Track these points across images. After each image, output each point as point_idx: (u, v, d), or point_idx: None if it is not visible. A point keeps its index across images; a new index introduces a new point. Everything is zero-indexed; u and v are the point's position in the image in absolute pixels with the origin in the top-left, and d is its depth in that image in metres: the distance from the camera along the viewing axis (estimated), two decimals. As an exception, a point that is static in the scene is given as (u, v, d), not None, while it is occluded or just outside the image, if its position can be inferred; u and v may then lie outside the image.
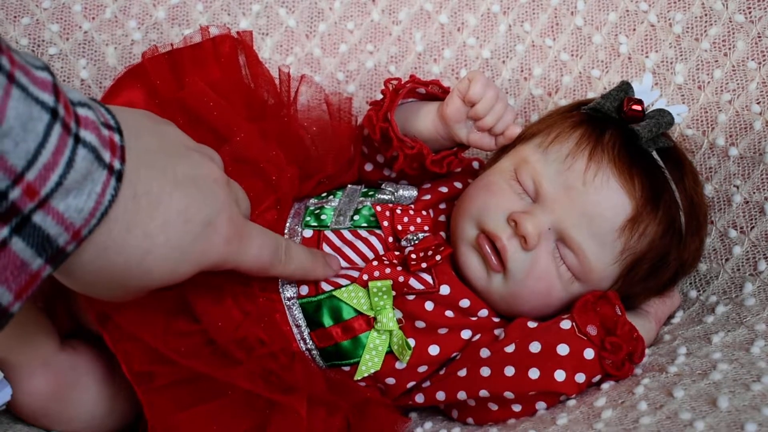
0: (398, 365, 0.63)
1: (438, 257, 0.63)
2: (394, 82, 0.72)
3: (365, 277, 0.62)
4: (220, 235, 0.48)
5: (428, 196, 0.71)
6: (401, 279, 0.63)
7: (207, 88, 0.66)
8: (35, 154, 0.35)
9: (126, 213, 0.42)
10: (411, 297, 0.63)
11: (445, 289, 0.64)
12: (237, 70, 0.70)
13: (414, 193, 0.70)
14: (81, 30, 0.86)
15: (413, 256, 0.63)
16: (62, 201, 0.37)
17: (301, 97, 0.72)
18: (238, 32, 0.72)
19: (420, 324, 0.63)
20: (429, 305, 0.63)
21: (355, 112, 0.76)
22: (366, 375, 0.62)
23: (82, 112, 0.39)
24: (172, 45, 0.69)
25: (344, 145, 0.71)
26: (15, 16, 0.85)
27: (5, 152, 0.34)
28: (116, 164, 0.41)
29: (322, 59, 0.89)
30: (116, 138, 0.41)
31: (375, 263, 0.63)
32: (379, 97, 0.73)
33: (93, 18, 0.87)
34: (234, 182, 0.54)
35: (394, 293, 0.62)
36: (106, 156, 0.40)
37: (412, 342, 0.63)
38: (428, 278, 0.64)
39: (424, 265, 0.63)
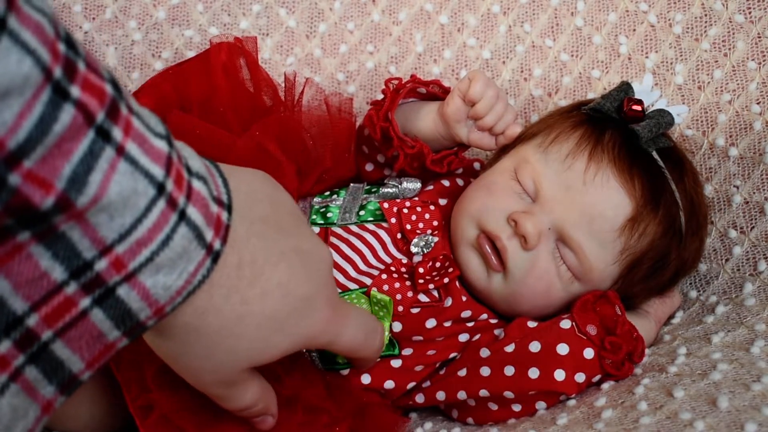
0: (394, 363, 0.63)
1: (446, 279, 0.63)
2: (395, 81, 0.72)
3: (374, 289, 0.63)
4: (317, 314, 0.46)
5: (431, 187, 0.71)
6: (410, 294, 0.63)
7: (188, 118, 0.66)
8: (130, 228, 0.34)
9: (229, 279, 0.41)
10: (416, 310, 0.63)
11: (448, 302, 0.64)
12: (238, 77, 0.71)
13: (418, 185, 0.70)
14: (81, 30, 0.86)
15: (421, 270, 0.63)
16: (151, 277, 0.36)
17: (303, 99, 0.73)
18: (239, 38, 0.72)
19: (417, 338, 0.64)
20: (431, 322, 0.63)
21: (356, 113, 0.76)
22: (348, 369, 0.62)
23: (196, 185, 0.38)
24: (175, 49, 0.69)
25: (342, 140, 0.71)
26: (15, 17, 0.85)
27: (97, 225, 0.33)
28: (216, 245, 0.39)
29: (323, 60, 0.89)
30: (224, 216, 0.40)
31: (384, 276, 0.63)
32: (380, 97, 0.73)
33: (93, 18, 0.87)
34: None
35: (401, 308, 0.62)
36: (209, 235, 0.38)
37: (408, 351, 0.63)
38: (434, 292, 0.64)
39: (431, 286, 0.63)
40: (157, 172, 0.35)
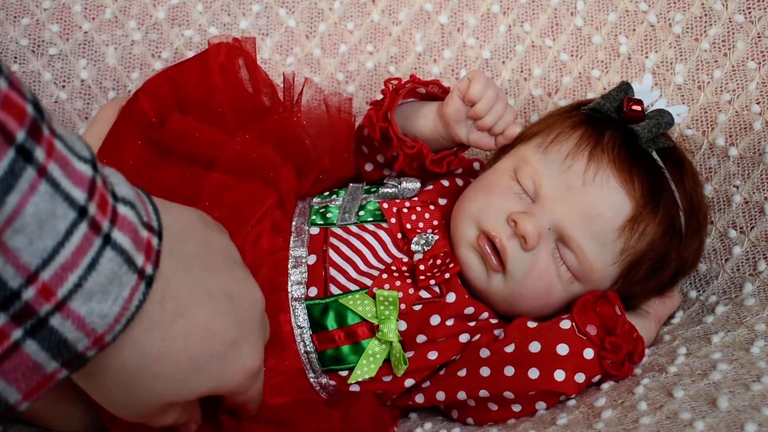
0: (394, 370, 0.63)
1: (447, 275, 0.63)
2: (394, 81, 0.72)
3: (375, 289, 0.63)
4: (242, 362, 0.45)
5: (430, 187, 0.71)
6: (411, 291, 0.63)
7: (188, 120, 0.66)
8: (52, 252, 0.34)
9: (150, 314, 0.40)
10: (418, 307, 0.63)
11: (450, 297, 0.64)
12: (237, 77, 0.71)
13: (417, 185, 0.70)
14: (81, 30, 0.86)
15: (422, 267, 0.63)
16: (84, 305, 0.35)
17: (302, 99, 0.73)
18: (237, 39, 0.72)
19: (421, 338, 0.64)
20: (435, 319, 0.63)
21: (355, 113, 0.76)
22: (360, 380, 0.63)
23: (122, 210, 0.37)
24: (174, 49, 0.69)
25: (341, 140, 0.72)
26: (15, 17, 0.85)
27: (18, 249, 0.33)
28: (148, 269, 0.39)
29: (322, 60, 0.89)
30: (154, 241, 0.39)
31: (385, 276, 0.63)
32: (379, 97, 0.73)
33: (93, 18, 0.87)
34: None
35: (404, 306, 0.62)
36: (139, 260, 0.38)
37: (409, 354, 0.63)
38: (435, 288, 0.64)
39: (432, 282, 0.63)
40: (79, 195, 0.34)
